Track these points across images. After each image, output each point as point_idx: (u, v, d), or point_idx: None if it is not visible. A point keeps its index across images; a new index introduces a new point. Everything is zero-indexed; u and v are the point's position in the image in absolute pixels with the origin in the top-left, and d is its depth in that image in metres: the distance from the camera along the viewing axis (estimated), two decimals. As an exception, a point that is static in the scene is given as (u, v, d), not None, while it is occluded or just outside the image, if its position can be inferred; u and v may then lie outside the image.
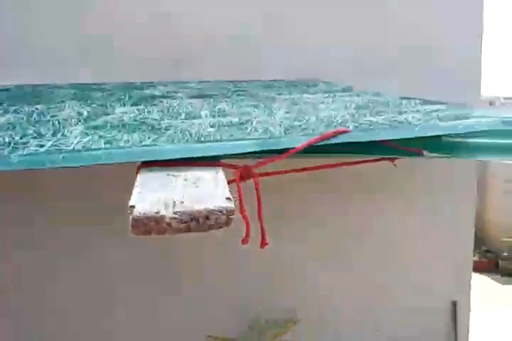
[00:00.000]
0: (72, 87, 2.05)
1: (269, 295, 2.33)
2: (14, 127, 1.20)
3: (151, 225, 0.74)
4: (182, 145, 1.05)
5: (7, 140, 1.05)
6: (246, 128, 1.23)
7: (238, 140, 1.13)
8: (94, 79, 2.16)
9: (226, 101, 1.69)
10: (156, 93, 1.85)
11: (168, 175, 0.94)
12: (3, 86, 2.03)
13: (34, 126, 1.21)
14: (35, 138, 1.09)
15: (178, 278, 2.30)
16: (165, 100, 1.65)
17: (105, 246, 2.22)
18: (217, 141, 1.12)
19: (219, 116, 1.42)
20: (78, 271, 2.26)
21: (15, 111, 1.37)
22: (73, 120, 1.28)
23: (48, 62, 2.21)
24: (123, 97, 1.69)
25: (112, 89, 1.99)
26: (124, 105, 1.54)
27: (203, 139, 1.12)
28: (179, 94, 1.85)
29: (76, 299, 2.28)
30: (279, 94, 1.93)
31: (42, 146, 1.01)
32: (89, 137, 1.08)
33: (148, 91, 1.88)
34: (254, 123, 1.31)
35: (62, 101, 1.55)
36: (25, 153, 0.95)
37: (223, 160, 1.07)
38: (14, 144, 1.01)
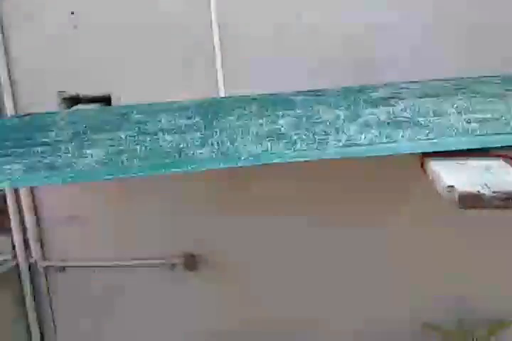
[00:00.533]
0: (286, 95, 2.38)
1: (482, 294, 2.32)
2: (298, 127, 1.53)
3: (474, 201, 0.91)
4: (460, 139, 1.20)
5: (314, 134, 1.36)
6: (508, 123, 1.32)
7: (504, 134, 1.24)
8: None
9: (459, 99, 1.78)
10: (382, 95, 2.04)
11: (457, 163, 1.11)
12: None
13: (313, 126, 1.52)
14: (324, 135, 1.38)
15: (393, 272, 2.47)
16: (399, 101, 1.83)
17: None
18: (483, 135, 1.24)
19: (465, 113, 1.53)
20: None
21: (290, 115, 1.72)
22: (340, 121, 1.55)
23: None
24: (359, 100, 1.92)
25: (335, 93, 2.25)
26: (368, 107, 1.76)
27: (470, 133, 1.26)
28: (403, 95, 2.00)
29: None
30: (507, 90, 1.92)
31: (339, 141, 1.29)
32: (371, 134, 1.32)
33: (374, 94, 2.08)
34: (509, 117, 1.39)
35: (313, 106, 1.87)
36: (335, 145, 1.24)
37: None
38: (321, 140, 1.31)
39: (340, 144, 1.26)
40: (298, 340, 2.61)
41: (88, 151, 1.41)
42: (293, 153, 1.23)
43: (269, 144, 1.31)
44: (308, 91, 2.32)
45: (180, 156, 1.30)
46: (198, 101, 2.27)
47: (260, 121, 1.68)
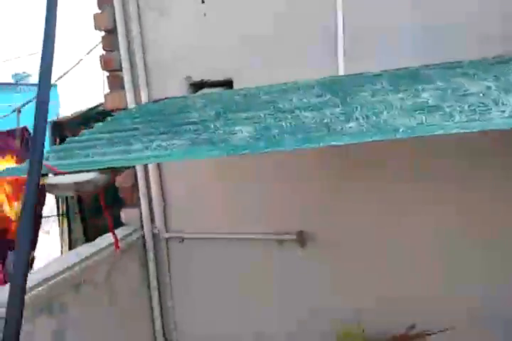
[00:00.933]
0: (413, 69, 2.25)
1: None
2: (446, 100, 1.45)
3: None
4: None
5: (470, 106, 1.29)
6: None
7: None
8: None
9: None
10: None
11: None
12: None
13: (464, 98, 1.43)
14: (483, 106, 1.30)
15: None
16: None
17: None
18: None
19: None
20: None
21: (431, 88, 1.65)
22: (493, 92, 1.44)
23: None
24: (507, 70, 1.77)
25: (470, 65, 2.09)
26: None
27: None
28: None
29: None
30: None
31: (503, 112, 1.21)
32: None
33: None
34: None
35: (452, 79, 1.76)
36: (500, 116, 1.16)
37: None
38: (482, 111, 1.24)
39: (506, 115, 1.18)
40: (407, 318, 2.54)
41: (237, 128, 1.50)
42: (454, 124, 1.18)
43: (423, 117, 1.27)
44: (435, 64, 2.19)
45: (329, 130, 1.32)
46: (319, 80, 2.27)
47: (399, 95, 1.63)
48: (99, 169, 1.38)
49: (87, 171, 1.34)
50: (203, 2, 2.52)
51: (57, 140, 3.55)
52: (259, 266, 2.83)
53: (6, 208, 3.75)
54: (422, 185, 2.44)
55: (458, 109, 1.30)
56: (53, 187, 1.36)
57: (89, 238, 3.67)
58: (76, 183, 1.29)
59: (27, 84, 10.13)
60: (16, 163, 3.80)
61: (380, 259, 2.59)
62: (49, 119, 3.85)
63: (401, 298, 2.54)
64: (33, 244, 3.76)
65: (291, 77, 2.43)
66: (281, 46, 2.58)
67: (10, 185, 3.78)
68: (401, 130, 1.18)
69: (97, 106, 3.88)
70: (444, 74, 1.88)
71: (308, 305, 2.76)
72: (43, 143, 1.23)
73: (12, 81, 11.26)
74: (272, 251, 2.79)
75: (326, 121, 1.42)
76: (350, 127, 1.30)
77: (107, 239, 2.61)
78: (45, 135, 1.22)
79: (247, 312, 2.89)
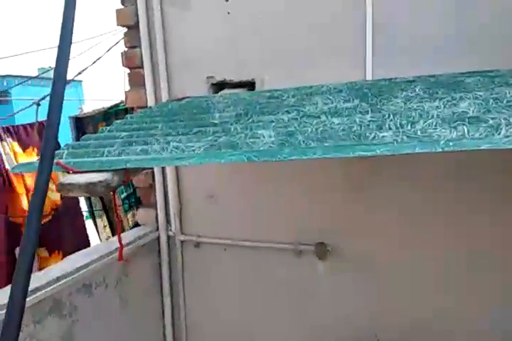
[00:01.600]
0: (449, 76, 2.13)
1: None
2: (489, 111, 1.33)
3: None
4: None
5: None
6: None
7: None
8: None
9: None
10: None
11: None
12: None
13: (509, 109, 1.31)
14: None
15: None
16: None
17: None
18: None
19: None
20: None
21: (469, 97, 1.52)
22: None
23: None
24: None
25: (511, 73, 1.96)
26: None
27: None
28: None
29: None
30: None
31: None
32: None
33: None
34: None
35: (494, 88, 1.64)
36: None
37: None
38: None
39: None
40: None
41: (259, 132, 1.41)
42: (504, 138, 1.06)
43: (464, 128, 1.16)
44: (471, 72, 2.06)
45: (360, 139, 1.22)
46: (347, 84, 2.17)
47: (435, 103, 1.51)
48: (114, 169, 1.30)
49: (100, 171, 1.27)
50: (226, 0, 2.44)
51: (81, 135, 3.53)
52: (275, 275, 2.73)
53: (24, 202, 3.71)
54: (449, 196, 2.31)
55: (503, 121, 1.18)
56: (64, 187, 1.29)
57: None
58: (88, 184, 1.22)
59: (52, 79, 10.24)
60: (37, 155, 3.78)
61: (403, 273, 2.47)
62: (72, 115, 3.85)
63: (423, 312, 2.41)
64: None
65: (317, 80, 2.33)
66: (307, 48, 2.48)
67: (31, 178, 3.74)
68: (442, 142, 1.07)
69: (118, 103, 3.86)
70: (482, 82, 1.76)
71: (323, 316, 2.66)
72: (56, 139, 1.17)
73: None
74: (290, 262, 2.69)
75: (355, 128, 1.32)
76: (383, 136, 1.19)
77: (123, 237, 2.54)
78: (57, 130, 1.16)
79: (260, 321, 2.81)
